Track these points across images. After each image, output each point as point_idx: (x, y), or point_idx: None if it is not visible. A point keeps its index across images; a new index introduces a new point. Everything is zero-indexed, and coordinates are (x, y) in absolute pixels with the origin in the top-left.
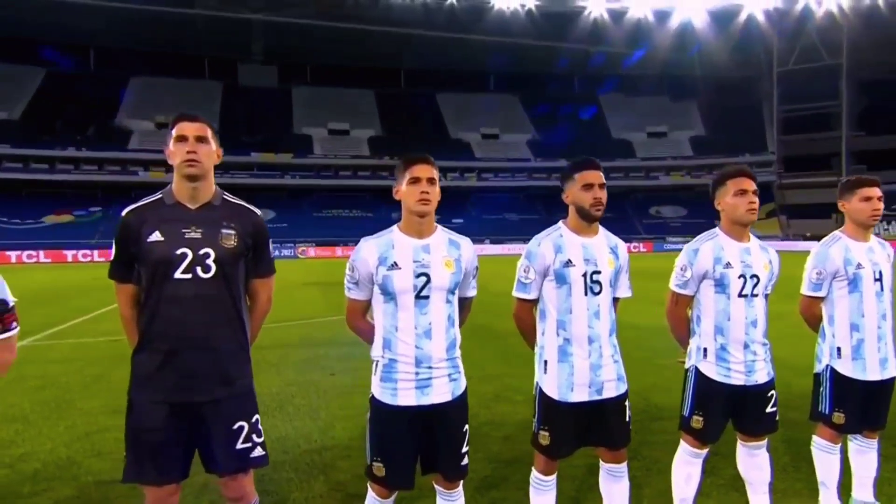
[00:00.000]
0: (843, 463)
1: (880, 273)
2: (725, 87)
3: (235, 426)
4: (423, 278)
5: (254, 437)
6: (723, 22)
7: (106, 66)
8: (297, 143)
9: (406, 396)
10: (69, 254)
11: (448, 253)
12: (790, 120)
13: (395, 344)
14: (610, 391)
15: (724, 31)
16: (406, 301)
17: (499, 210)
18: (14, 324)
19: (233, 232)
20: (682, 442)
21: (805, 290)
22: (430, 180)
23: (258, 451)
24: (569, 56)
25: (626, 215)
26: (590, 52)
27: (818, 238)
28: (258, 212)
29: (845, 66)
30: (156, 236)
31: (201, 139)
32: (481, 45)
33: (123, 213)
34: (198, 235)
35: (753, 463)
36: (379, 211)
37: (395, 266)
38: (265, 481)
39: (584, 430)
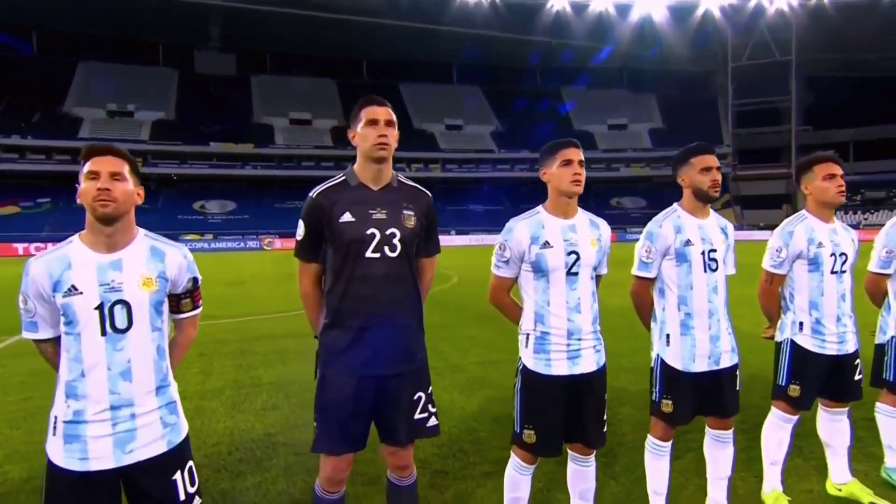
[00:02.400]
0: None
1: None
2: (683, 81)
3: (415, 397)
4: (574, 256)
5: (429, 406)
6: (681, 17)
7: (51, 49)
8: (258, 133)
9: (559, 366)
10: (19, 247)
11: (591, 233)
12: (744, 114)
13: (548, 318)
14: (726, 361)
15: (681, 26)
16: (558, 277)
17: (463, 201)
18: (200, 301)
19: (412, 213)
20: (774, 409)
21: (873, 266)
22: (389, 122)
23: (433, 421)
24: (532, 48)
25: (587, 206)
26: (553, 44)
27: (771, 227)
28: (428, 193)
29: (794, 63)
30: (347, 217)
31: (390, 123)
32: (445, 36)
33: (313, 195)
34: (383, 216)
35: (836, 428)
36: None
37: (547, 244)
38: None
39: (701, 398)
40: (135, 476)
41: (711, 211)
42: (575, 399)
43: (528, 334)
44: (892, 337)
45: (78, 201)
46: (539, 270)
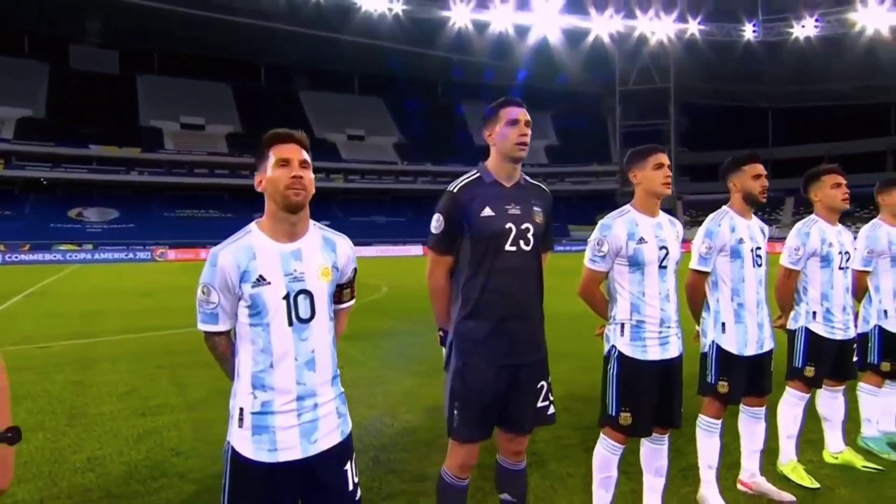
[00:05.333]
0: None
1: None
2: (576, 102)
3: (539, 385)
4: (664, 251)
5: (549, 395)
6: (575, 41)
7: None
8: (145, 137)
9: (653, 352)
10: None
11: (672, 230)
12: (630, 134)
13: (644, 307)
14: (767, 346)
15: (575, 49)
16: (652, 270)
17: (365, 212)
18: (355, 292)
19: (540, 209)
20: (789, 389)
21: (857, 265)
22: (527, 123)
23: (551, 409)
24: (434, 62)
25: None
26: (454, 60)
27: None
28: (549, 191)
29: (672, 90)
30: (487, 211)
31: (528, 124)
32: (347, 45)
33: (454, 190)
34: (518, 211)
35: (834, 405)
36: (238, 211)
37: (642, 240)
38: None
39: (750, 378)
40: (315, 467)
41: (752, 213)
42: (665, 382)
43: (622, 323)
44: (876, 325)
45: (258, 189)
46: (635, 264)
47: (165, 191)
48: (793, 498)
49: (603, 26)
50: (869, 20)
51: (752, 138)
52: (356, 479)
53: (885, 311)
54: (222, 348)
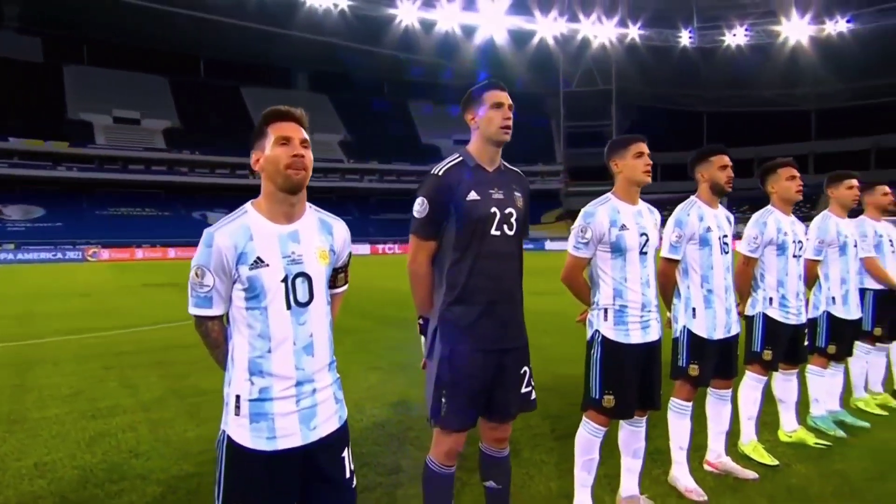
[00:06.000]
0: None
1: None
2: (522, 103)
3: (522, 371)
4: (644, 237)
5: (531, 381)
6: (521, 42)
7: None
8: (74, 131)
9: (635, 336)
10: None
11: (652, 217)
12: (574, 135)
13: (626, 292)
14: (734, 330)
15: (521, 50)
16: (633, 256)
17: None
18: (348, 277)
19: (520, 195)
20: (749, 373)
21: (809, 255)
22: (510, 107)
23: (533, 395)
24: (381, 61)
25: None
26: (400, 58)
27: None
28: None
29: (614, 92)
30: (473, 195)
31: (511, 107)
32: (292, 40)
33: (439, 173)
34: (501, 196)
35: (788, 387)
36: (176, 210)
37: (624, 227)
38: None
39: (718, 362)
40: (315, 454)
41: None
42: (646, 364)
43: (606, 308)
44: (825, 311)
45: (256, 168)
46: (617, 250)
47: (97, 188)
48: (756, 475)
49: (547, 28)
50: (792, 32)
51: (688, 141)
52: (352, 467)
53: (833, 298)
54: (215, 334)
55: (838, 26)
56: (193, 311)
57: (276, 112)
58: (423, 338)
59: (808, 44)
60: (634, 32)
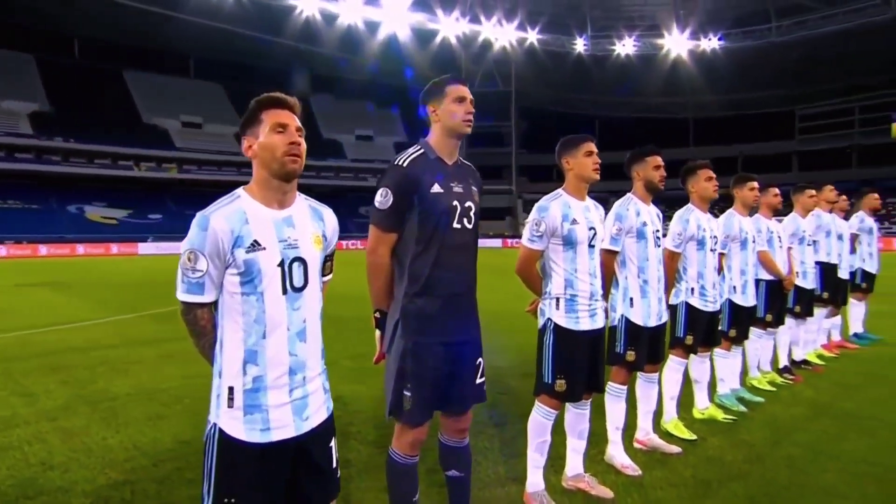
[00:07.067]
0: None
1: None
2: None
3: (476, 362)
4: (592, 231)
5: (484, 372)
6: (424, 40)
7: None
8: None
9: (584, 323)
10: None
11: (599, 213)
12: (476, 136)
13: (576, 283)
14: (664, 318)
15: (424, 48)
16: (583, 249)
17: (204, 205)
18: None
19: (476, 189)
20: (671, 356)
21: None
22: (472, 101)
23: (484, 386)
24: (281, 52)
25: (338, 214)
26: (301, 50)
27: (499, 236)
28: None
29: (514, 94)
30: (437, 188)
31: (472, 102)
32: (181, 24)
33: (403, 164)
34: (460, 190)
35: (703, 368)
36: (45, 202)
37: (575, 221)
38: None
39: (652, 347)
40: (307, 445)
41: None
42: (593, 350)
43: (558, 298)
44: (727, 299)
45: (248, 154)
46: (569, 243)
47: None
48: (679, 449)
49: (450, 28)
50: (674, 45)
51: None
52: (337, 457)
53: (735, 287)
54: (204, 322)
55: (711, 43)
56: (183, 297)
57: (271, 99)
58: (377, 332)
59: (688, 57)
60: (533, 37)
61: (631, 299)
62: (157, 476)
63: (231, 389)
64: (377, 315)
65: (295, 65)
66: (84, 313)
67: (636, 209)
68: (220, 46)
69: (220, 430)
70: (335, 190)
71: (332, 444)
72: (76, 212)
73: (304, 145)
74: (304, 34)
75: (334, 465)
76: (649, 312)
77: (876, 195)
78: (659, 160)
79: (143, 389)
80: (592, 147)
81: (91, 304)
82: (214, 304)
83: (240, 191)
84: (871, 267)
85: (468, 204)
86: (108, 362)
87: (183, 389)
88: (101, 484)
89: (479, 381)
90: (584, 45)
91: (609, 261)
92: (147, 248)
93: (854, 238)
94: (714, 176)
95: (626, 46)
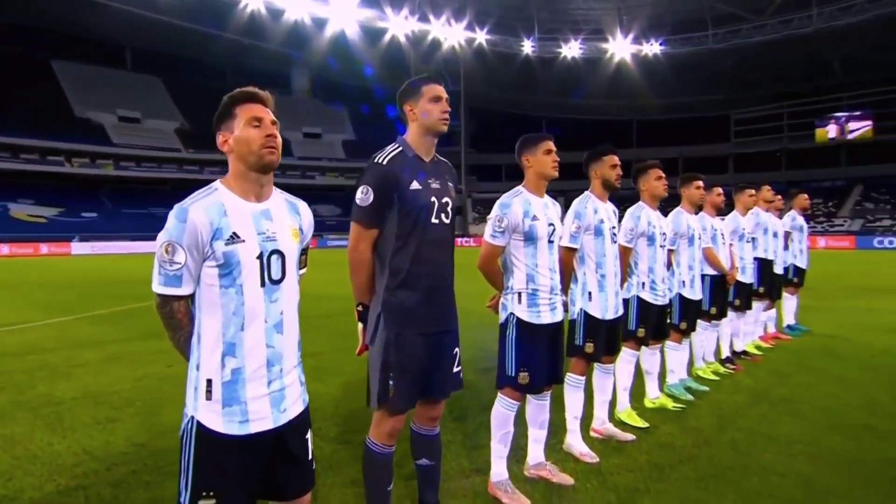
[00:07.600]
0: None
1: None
2: (375, 98)
3: (454, 352)
4: (552, 227)
5: (460, 361)
6: (373, 37)
7: None
8: None
9: (545, 317)
10: None
11: (556, 210)
12: None
13: (537, 277)
14: (620, 311)
15: (373, 46)
16: (543, 244)
17: (143, 203)
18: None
19: (452, 185)
20: (624, 349)
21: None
22: (448, 100)
23: (461, 375)
24: (224, 45)
25: None
26: (245, 44)
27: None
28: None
29: (462, 93)
30: (415, 185)
31: (448, 101)
32: (116, 13)
33: (383, 162)
34: (437, 186)
35: (654, 359)
36: None
37: (535, 218)
38: None
39: (609, 339)
40: (284, 437)
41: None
42: (553, 343)
43: (520, 292)
44: (677, 293)
45: (224, 149)
46: (530, 239)
47: None
48: (634, 437)
49: (399, 26)
50: (617, 49)
51: None
52: (312, 448)
53: (683, 282)
54: (181, 315)
55: (653, 48)
56: (160, 289)
57: (245, 94)
58: (360, 325)
59: (631, 61)
60: (482, 37)
61: (590, 293)
62: (111, 480)
63: (209, 382)
64: (360, 308)
65: (238, 59)
66: (16, 316)
67: (594, 207)
68: (158, 38)
69: (198, 423)
70: (282, 188)
71: (308, 436)
72: (13, 210)
73: (279, 138)
74: (249, 29)
75: (310, 456)
76: (607, 306)
77: (806, 196)
78: (615, 159)
79: (89, 393)
80: (551, 145)
81: (23, 306)
82: (191, 297)
83: (216, 184)
84: (802, 263)
85: (445, 200)
86: (48, 366)
87: (134, 392)
88: (49, 491)
89: (456, 369)
90: (532, 46)
91: (568, 258)
92: (81, 247)
93: (787, 236)
94: (664, 175)
95: (571, 49)
